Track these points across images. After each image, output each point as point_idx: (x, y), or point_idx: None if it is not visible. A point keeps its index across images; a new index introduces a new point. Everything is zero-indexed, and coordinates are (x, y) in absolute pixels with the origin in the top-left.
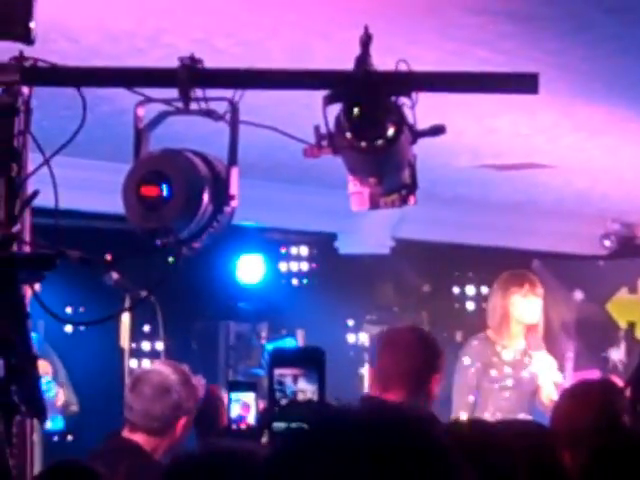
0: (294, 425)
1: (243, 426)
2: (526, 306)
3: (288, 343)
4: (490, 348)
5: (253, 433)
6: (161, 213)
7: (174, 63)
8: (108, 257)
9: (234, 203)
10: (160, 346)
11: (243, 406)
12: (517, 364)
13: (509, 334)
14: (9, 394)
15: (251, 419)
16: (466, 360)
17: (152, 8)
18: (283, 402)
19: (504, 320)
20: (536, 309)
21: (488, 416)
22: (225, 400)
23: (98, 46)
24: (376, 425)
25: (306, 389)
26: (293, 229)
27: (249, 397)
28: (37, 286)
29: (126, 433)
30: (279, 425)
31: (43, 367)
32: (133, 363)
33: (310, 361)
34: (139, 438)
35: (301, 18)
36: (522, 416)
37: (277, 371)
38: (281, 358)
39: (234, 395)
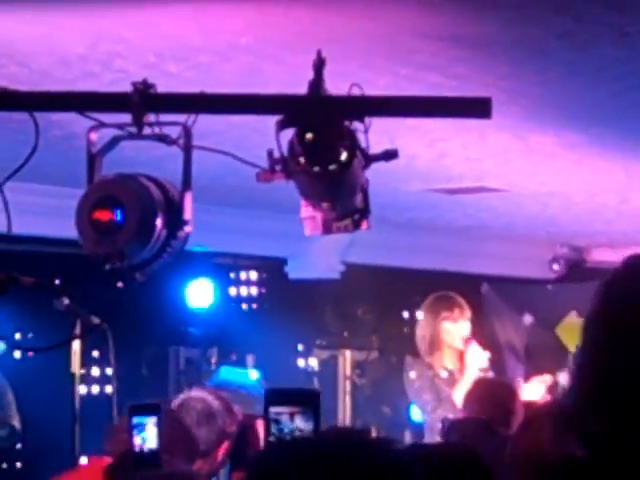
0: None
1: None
2: (457, 331)
3: (241, 372)
4: (428, 371)
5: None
6: (114, 238)
7: (127, 87)
8: (58, 282)
9: (188, 228)
10: (110, 371)
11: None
12: (450, 383)
13: (441, 359)
14: None
15: (150, 443)
16: (412, 375)
17: (104, 32)
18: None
19: (436, 346)
20: (466, 333)
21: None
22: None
23: (49, 70)
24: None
25: (303, 428)
26: (243, 254)
27: (150, 421)
28: None
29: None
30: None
31: None
32: (82, 389)
33: (306, 401)
34: None
35: (253, 42)
36: None
37: (273, 409)
38: (277, 397)
39: (135, 419)
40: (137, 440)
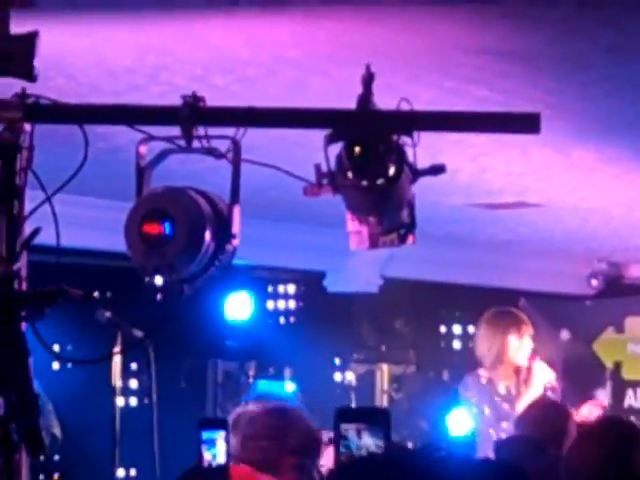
0: None
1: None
2: (522, 347)
3: (278, 384)
4: (487, 386)
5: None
6: (163, 251)
7: (173, 100)
8: (99, 294)
9: (236, 242)
10: (148, 384)
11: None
12: (512, 399)
13: (504, 373)
14: (9, 432)
15: (220, 459)
16: (474, 399)
17: (151, 45)
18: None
19: (500, 360)
20: (530, 349)
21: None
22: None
23: (96, 82)
24: None
25: (370, 444)
26: (281, 267)
27: (219, 435)
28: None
29: None
30: None
31: None
32: (120, 401)
33: (375, 418)
34: None
35: (300, 55)
36: None
37: (343, 427)
38: (347, 415)
39: (204, 434)
40: (207, 456)
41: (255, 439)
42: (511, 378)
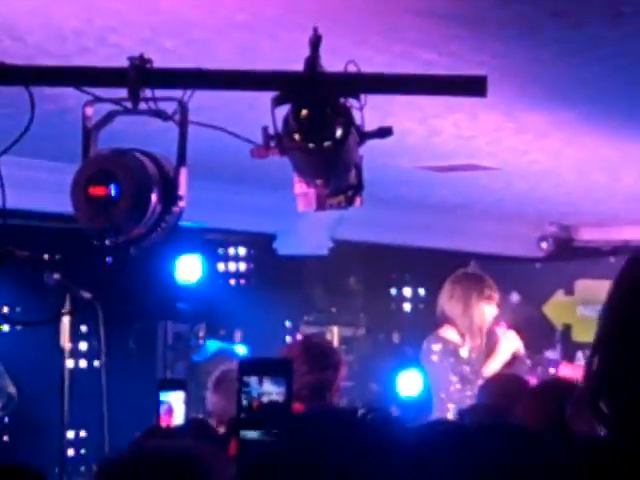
0: (262, 433)
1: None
2: (490, 312)
3: (211, 345)
4: (451, 350)
5: (178, 433)
6: (109, 213)
7: (121, 62)
8: (48, 256)
9: (182, 203)
10: (97, 345)
11: (167, 408)
12: (473, 362)
13: (471, 338)
14: None
15: (178, 419)
16: (435, 358)
17: (99, 7)
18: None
19: (471, 324)
20: (493, 316)
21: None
22: None
23: (44, 45)
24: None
25: (271, 391)
26: (232, 229)
27: (177, 397)
28: None
29: None
30: (247, 433)
31: None
32: (70, 363)
33: (278, 368)
34: None
35: (249, 18)
36: None
37: (245, 378)
38: (250, 366)
39: (162, 395)
40: (165, 417)
41: None
42: (477, 342)
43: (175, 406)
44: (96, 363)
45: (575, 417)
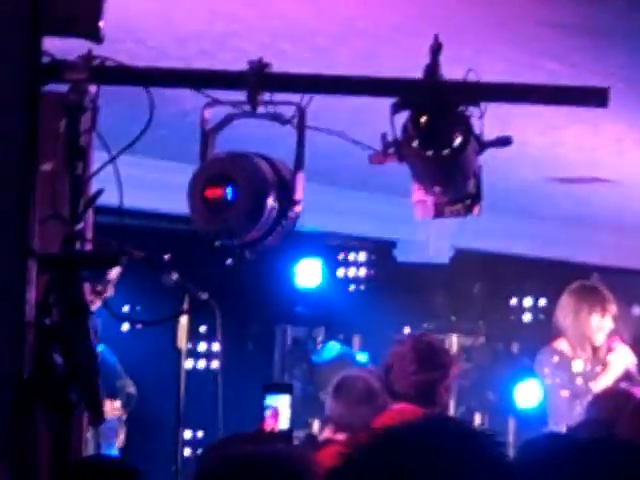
0: None
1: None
2: (603, 326)
3: (332, 347)
4: (564, 361)
5: (287, 437)
6: (225, 215)
7: (241, 66)
8: (168, 257)
9: (298, 208)
10: (216, 347)
11: (273, 412)
12: (587, 375)
13: (583, 350)
14: (68, 392)
15: (283, 424)
16: (547, 371)
17: (221, 10)
18: None
19: (582, 337)
20: (609, 329)
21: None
22: None
23: (165, 47)
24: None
25: None
26: (353, 235)
27: (283, 400)
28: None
29: (328, 433)
30: None
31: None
32: (189, 364)
33: None
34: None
35: (370, 25)
36: None
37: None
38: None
39: (268, 399)
40: (270, 421)
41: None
42: (589, 355)
43: (281, 410)
44: (214, 364)
45: None
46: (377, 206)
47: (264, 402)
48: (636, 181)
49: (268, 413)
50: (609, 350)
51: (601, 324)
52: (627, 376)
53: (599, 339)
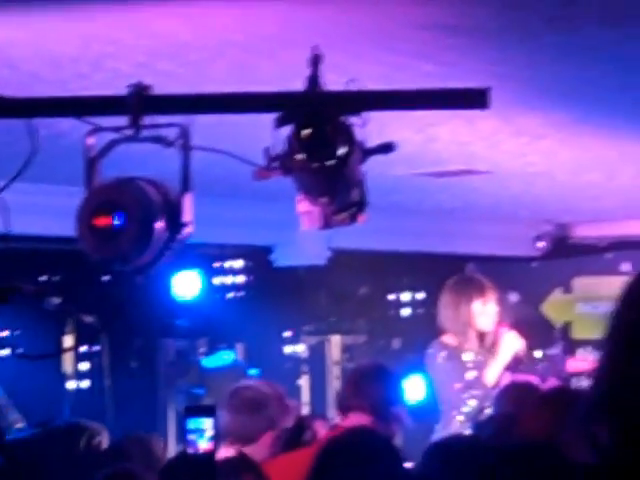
0: None
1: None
2: (486, 313)
3: (225, 357)
4: (453, 354)
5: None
6: (115, 243)
7: (119, 87)
8: (50, 282)
9: (188, 230)
10: (101, 366)
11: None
12: (479, 365)
13: (470, 340)
14: None
15: (206, 446)
16: (438, 364)
17: (95, 33)
18: None
19: (466, 327)
20: (494, 315)
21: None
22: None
23: (40, 72)
24: None
25: None
26: (228, 243)
27: (206, 423)
28: None
29: (223, 449)
30: None
31: None
32: (72, 384)
33: None
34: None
35: (245, 38)
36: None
37: None
38: None
39: (191, 422)
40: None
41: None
42: (476, 344)
43: (205, 432)
44: (99, 383)
45: (571, 443)
46: (251, 213)
47: (186, 425)
48: (509, 172)
49: (192, 437)
50: (497, 338)
51: (484, 310)
52: (516, 362)
53: (484, 325)
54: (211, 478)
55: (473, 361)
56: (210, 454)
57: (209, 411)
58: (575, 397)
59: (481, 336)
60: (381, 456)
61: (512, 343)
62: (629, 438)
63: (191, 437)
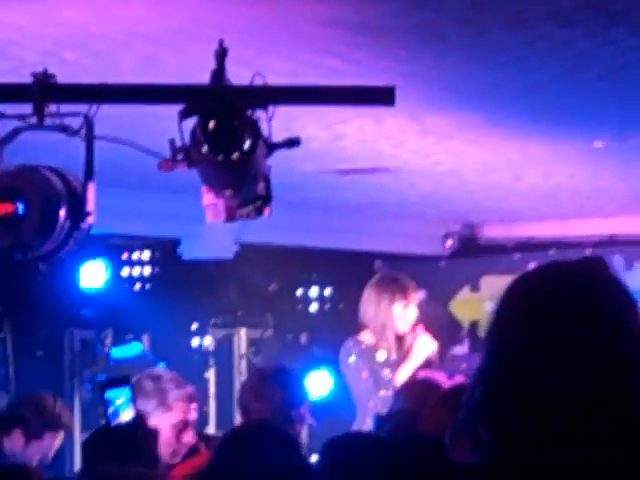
0: None
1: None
2: (407, 315)
3: (134, 348)
4: (367, 352)
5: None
6: (17, 230)
7: (23, 75)
8: None
9: (91, 219)
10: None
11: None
12: (392, 365)
13: (387, 340)
14: None
15: (127, 415)
16: (354, 363)
17: (0, 19)
18: None
19: (384, 327)
20: (413, 317)
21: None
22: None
23: None
24: None
25: None
26: (136, 235)
27: (122, 393)
28: None
29: None
30: None
31: None
32: None
33: None
34: None
35: (153, 30)
36: None
37: None
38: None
39: (108, 394)
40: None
41: None
42: (393, 345)
43: (122, 402)
44: (4, 372)
45: (454, 444)
46: (159, 204)
47: (104, 398)
48: (416, 170)
49: (110, 409)
50: (413, 339)
51: (404, 312)
52: (427, 364)
53: (402, 327)
54: (136, 445)
55: (386, 361)
56: (135, 421)
57: (124, 381)
58: None
59: (399, 337)
60: (276, 447)
61: (426, 345)
62: (502, 440)
63: (111, 409)
